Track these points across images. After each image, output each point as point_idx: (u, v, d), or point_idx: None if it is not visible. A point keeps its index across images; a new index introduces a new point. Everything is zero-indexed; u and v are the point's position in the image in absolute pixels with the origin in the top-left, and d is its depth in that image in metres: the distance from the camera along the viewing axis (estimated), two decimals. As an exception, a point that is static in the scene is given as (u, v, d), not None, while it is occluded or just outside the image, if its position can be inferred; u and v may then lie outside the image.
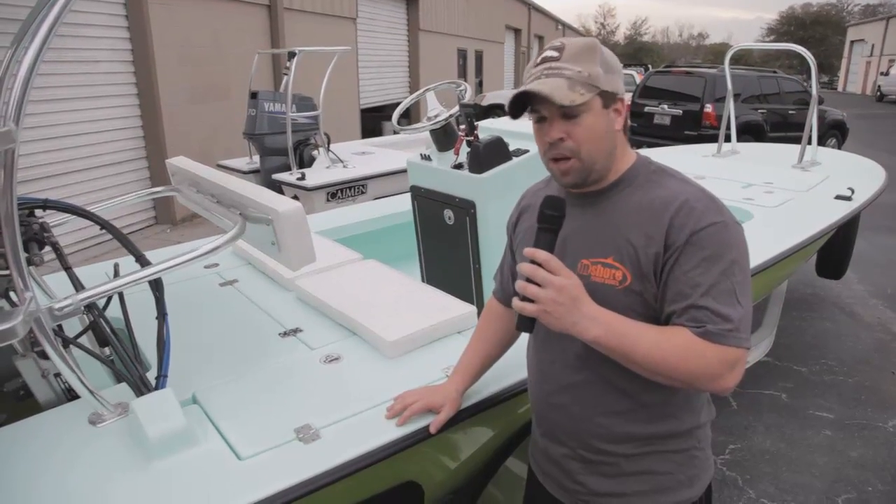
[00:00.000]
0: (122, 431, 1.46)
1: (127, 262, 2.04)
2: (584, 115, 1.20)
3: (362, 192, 5.54)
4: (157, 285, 1.67)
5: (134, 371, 1.56)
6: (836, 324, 4.85)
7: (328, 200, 5.30)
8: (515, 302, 1.14)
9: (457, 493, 1.89)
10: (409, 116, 12.55)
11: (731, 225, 1.19)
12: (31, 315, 1.28)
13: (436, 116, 2.69)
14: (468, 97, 2.72)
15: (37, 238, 1.66)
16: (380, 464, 1.42)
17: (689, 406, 1.32)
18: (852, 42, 46.38)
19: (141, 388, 1.53)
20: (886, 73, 32.98)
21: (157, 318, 1.65)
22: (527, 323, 1.18)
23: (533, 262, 1.13)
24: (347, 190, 5.44)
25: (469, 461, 1.81)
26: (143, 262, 1.72)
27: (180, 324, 1.68)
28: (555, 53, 1.22)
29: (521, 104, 1.24)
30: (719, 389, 1.17)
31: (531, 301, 1.12)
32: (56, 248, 1.69)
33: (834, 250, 4.86)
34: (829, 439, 3.34)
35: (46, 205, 1.72)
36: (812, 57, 5.01)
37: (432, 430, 1.47)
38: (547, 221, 1.18)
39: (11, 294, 1.59)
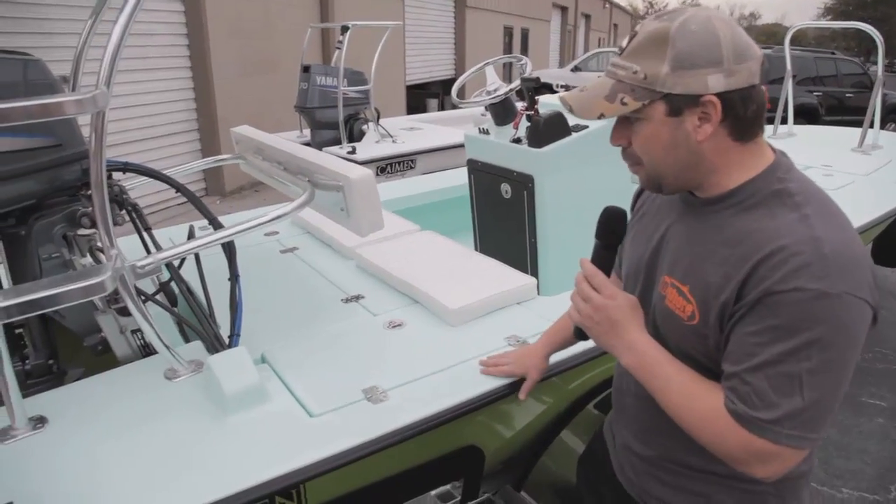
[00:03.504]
0: (196, 387, 1.52)
1: (194, 227, 2.11)
2: (640, 124, 1.02)
3: (411, 167, 5.57)
4: (229, 248, 1.73)
5: (209, 329, 1.63)
6: (891, 312, 4.72)
7: (377, 174, 5.34)
8: (570, 308, 1.14)
9: (514, 461, 1.93)
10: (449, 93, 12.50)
11: (836, 297, 0.90)
12: (118, 271, 1.34)
13: (495, 90, 2.69)
14: (529, 71, 2.71)
15: (116, 200, 1.73)
16: (444, 426, 1.46)
17: None
18: (916, 23, 44.35)
19: (216, 345, 1.60)
20: (952, 56, 31.53)
21: (229, 279, 1.72)
22: (579, 331, 1.17)
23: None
24: (397, 164, 5.48)
25: (526, 430, 1.84)
26: (217, 225, 1.78)
27: (245, 288, 1.74)
28: (624, 43, 1.03)
29: None
30: (751, 474, 0.99)
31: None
32: (137, 209, 1.75)
33: (892, 237, 4.71)
34: (882, 427, 3.28)
35: (127, 167, 1.79)
36: (879, 35, 4.83)
37: (521, 396, 1.52)
38: (604, 238, 1.14)
39: (96, 253, 1.67)
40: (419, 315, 1.90)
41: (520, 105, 2.72)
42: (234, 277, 1.71)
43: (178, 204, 6.48)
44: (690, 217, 1.11)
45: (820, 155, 4.37)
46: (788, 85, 5.41)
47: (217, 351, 1.57)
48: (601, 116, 1.02)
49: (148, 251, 1.74)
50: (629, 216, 1.32)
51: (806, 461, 1.16)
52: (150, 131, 6.79)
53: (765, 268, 0.93)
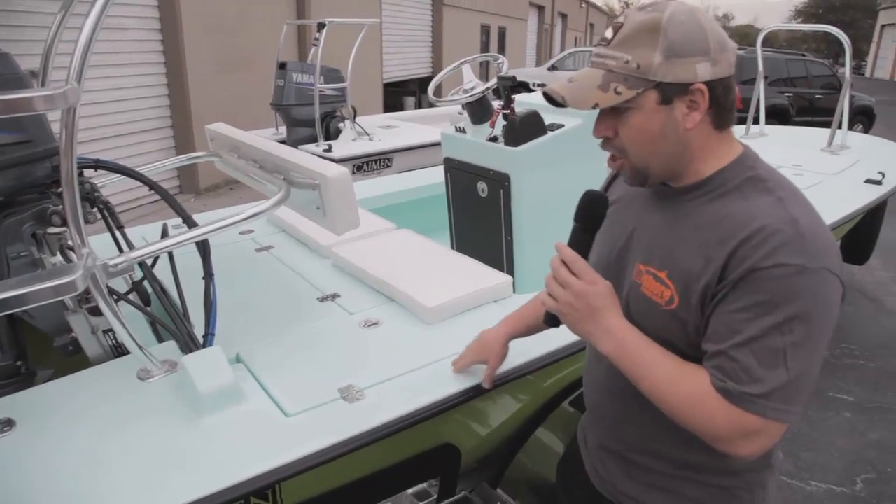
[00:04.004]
0: (170, 387, 1.50)
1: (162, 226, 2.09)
2: (631, 114, 1.03)
3: (388, 166, 5.56)
4: (203, 247, 1.71)
5: (183, 328, 1.61)
6: (858, 309, 4.83)
7: (354, 172, 5.32)
8: (542, 294, 1.09)
9: (490, 458, 1.94)
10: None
11: (815, 272, 0.94)
12: (89, 270, 1.31)
13: (472, 89, 2.70)
14: (505, 70, 2.72)
15: (88, 198, 1.71)
16: (420, 425, 1.46)
17: None
18: (883, 26, 45.25)
19: (190, 345, 1.58)
20: (917, 59, 32.29)
21: (203, 278, 1.70)
22: (550, 318, 1.12)
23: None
24: (373, 162, 5.46)
25: (501, 428, 1.85)
26: (191, 223, 1.76)
27: (219, 287, 1.72)
28: (609, 34, 1.04)
29: None
30: (731, 454, 1.01)
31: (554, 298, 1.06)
32: (108, 207, 1.73)
33: (859, 235, 4.81)
34: (849, 421, 3.36)
35: (98, 164, 1.76)
36: (847, 38, 4.93)
37: (485, 384, 1.49)
38: (583, 220, 1.10)
39: (67, 252, 1.64)
40: (395, 314, 1.90)
41: (496, 104, 2.73)
42: (208, 276, 1.69)
43: (152, 202, 6.40)
44: (663, 207, 1.13)
45: (791, 155, 4.45)
46: (760, 86, 5.49)
47: (191, 351, 1.55)
48: (595, 106, 1.02)
49: (120, 250, 1.71)
50: None
51: (773, 453, 1.20)
52: (123, 128, 6.69)
53: (746, 247, 0.96)
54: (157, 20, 7.11)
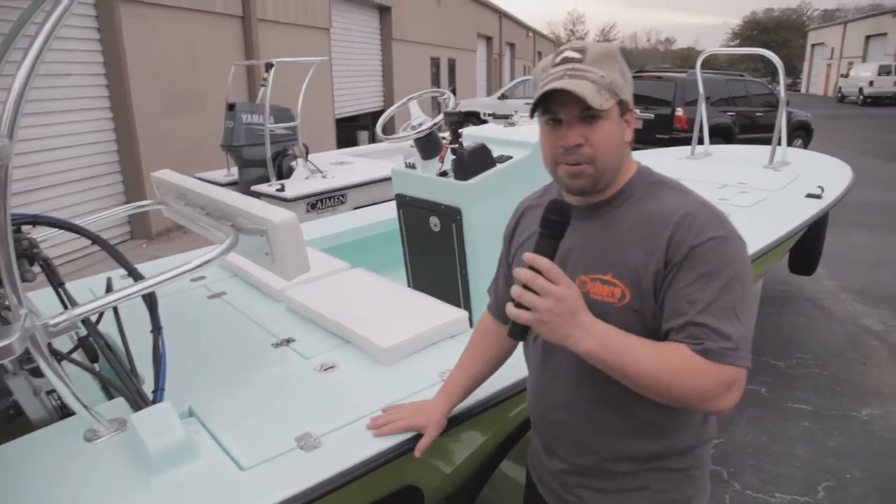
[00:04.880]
0: (119, 447, 1.45)
1: (113, 276, 2.03)
2: (604, 122, 1.16)
3: (342, 202, 5.54)
4: (150, 299, 1.67)
5: (131, 385, 1.56)
6: (809, 319, 4.97)
7: (308, 211, 5.28)
8: (510, 308, 1.09)
9: (454, 497, 1.91)
10: (385, 126, 12.54)
11: (733, 239, 1.15)
12: (27, 332, 1.27)
13: (420, 125, 2.72)
14: (452, 105, 2.75)
15: (27, 254, 1.65)
16: (380, 469, 1.44)
17: (689, 425, 1.28)
18: (813, 45, 47.55)
19: (139, 402, 1.53)
20: (846, 76, 33.90)
21: (151, 331, 1.65)
22: (519, 331, 1.13)
23: (532, 268, 1.07)
24: (327, 200, 5.44)
25: (465, 464, 1.83)
26: (136, 275, 1.72)
27: (170, 337, 1.68)
28: (577, 55, 1.18)
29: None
30: (715, 410, 1.13)
31: (527, 308, 1.07)
32: (48, 264, 1.68)
33: (805, 247, 4.98)
34: (808, 430, 3.43)
35: (37, 220, 1.72)
36: (779, 60, 5.14)
37: (417, 454, 1.45)
38: (550, 227, 1.13)
39: (4, 313, 1.58)
40: (351, 356, 1.88)
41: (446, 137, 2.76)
42: (156, 329, 1.65)
43: (99, 250, 6.22)
44: (586, 223, 1.25)
45: (735, 173, 4.60)
46: (702, 107, 5.68)
47: (140, 408, 1.50)
48: (601, 106, 1.14)
49: (65, 306, 1.66)
50: (504, 244, 1.50)
51: (713, 426, 1.36)
52: (68, 175, 6.55)
53: (680, 232, 1.14)
54: (102, 64, 7.02)
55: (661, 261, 1.14)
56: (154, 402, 1.55)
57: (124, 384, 1.57)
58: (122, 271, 1.88)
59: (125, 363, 1.64)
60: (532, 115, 1.22)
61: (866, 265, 6.19)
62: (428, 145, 2.77)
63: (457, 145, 2.61)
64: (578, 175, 1.20)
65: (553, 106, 1.17)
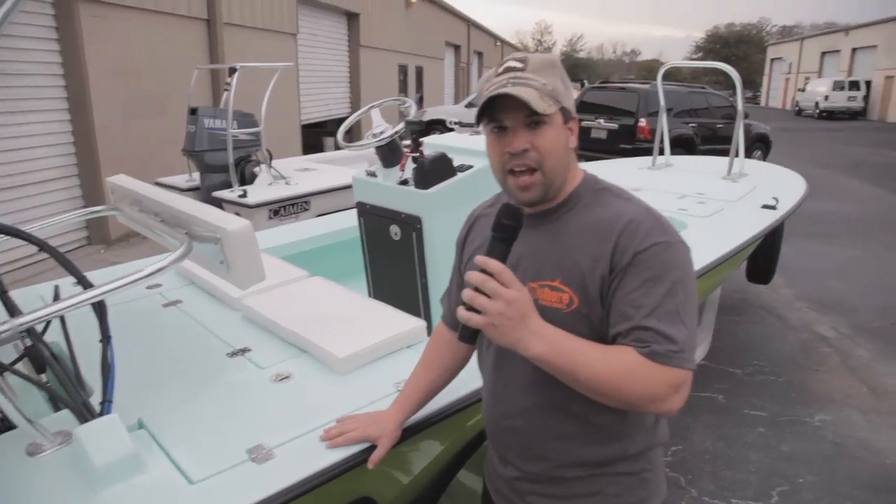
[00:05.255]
0: (63, 461, 1.41)
1: (63, 284, 1.98)
2: (548, 128, 1.19)
3: (305, 209, 5.49)
4: (99, 308, 1.63)
5: (77, 397, 1.52)
6: (765, 326, 5.09)
7: (271, 218, 5.23)
8: (461, 312, 1.08)
9: (411, 507, 1.90)
10: (352, 133, 12.52)
11: (676, 244, 1.18)
12: (-33, 343, 1.23)
13: (381, 133, 2.71)
14: (413, 114, 2.75)
15: (-31, 262, 1.60)
16: (334, 481, 1.42)
17: (641, 428, 1.30)
18: (772, 60, 48.88)
19: (85, 414, 1.49)
20: (803, 90, 34.98)
21: (100, 341, 1.61)
22: (470, 334, 1.13)
23: (484, 271, 1.07)
24: (290, 207, 5.38)
25: (422, 474, 1.82)
26: (85, 283, 1.67)
27: (123, 347, 1.64)
28: (519, 65, 1.21)
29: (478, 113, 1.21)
30: (663, 411, 1.15)
31: (478, 312, 1.07)
32: (-9, 271, 1.63)
33: (762, 257, 5.10)
34: (763, 436, 3.50)
35: (-21, 227, 1.66)
36: (737, 74, 5.27)
37: (370, 465, 1.44)
38: (503, 231, 1.13)
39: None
40: (307, 365, 1.86)
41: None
42: (105, 339, 1.61)
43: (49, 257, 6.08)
44: (534, 231, 1.26)
45: (694, 184, 4.69)
46: (662, 118, 5.78)
47: (87, 420, 1.46)
48: (544, 111, 1.16)
49: (11, 314, 1.61)
50: (457, 252, 1.52)
51: (663, 429, 1.37)
52: (22, 178, 6.39)
53: (624, 238, 1.17)
54: (60, 65, 6.87)
55: (606, 267, 1.17)
56: (101, 413, 1.51)
57: (70, 396, 1.53)
58: (72, 280, 1.84)
59: (72, 374, 1.59)
60: (477, 124, 1.24)
61: (821, 274, 6.37)
62: (389, 153, 2.76)
63: (417, 154, 2.61)
64: (528, 188, 1.22)
65: (498, 113, 1.19)
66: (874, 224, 8.66)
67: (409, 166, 2.68)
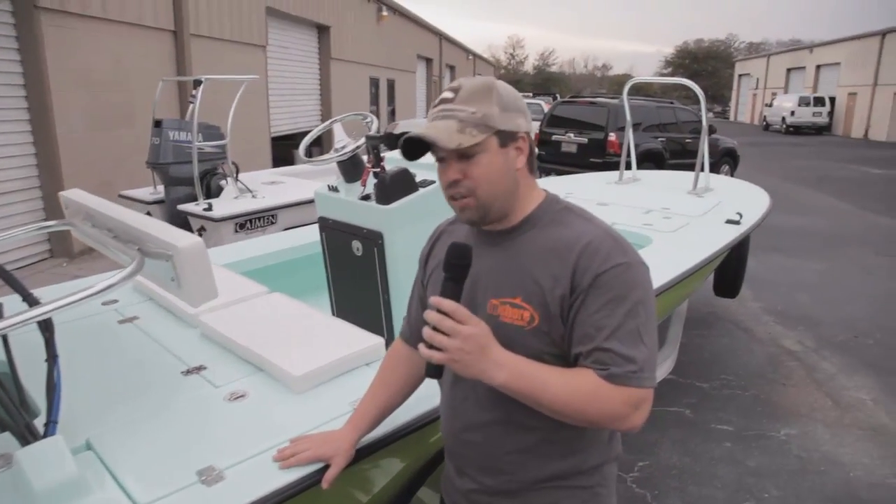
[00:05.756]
0: (2, 485, 1.36)
1: (11, 300, 1.92)
2: (480, 156, 1.21)
3: (272, 223, 5.43)
4: (46, 326, 1.57)
5: (19, 419, 1.46)
6: (732, 340, 5.14)
7: (236, 231, 5.16)
8: (422, 349, 1.14)
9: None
10: (322, 146, 12.49)
11: (635, 265, 1.21)
12: None
13: (342, 148, 2.69)
14: (374, 129, 2.73)
15: None
16: (286, 503, 1.39)
17: (597, 443, 1.33)
18: (740, 76, 49.97)
19: (27, 436, 1.43)
20: (770, 105, 35.79)
21: (46, 360, 1.56)
22: (435, 370, 1.18)
23: (439, 311, 1.12)
24: (257, 220, 5.32)
25: (381, 493, 1.79)
26: (31, 301, 1.62)
27: (75, 365, 1.59)
28: (450, 95, 1.24)
29: (423, 144, 1.23)
30: (625, 429, 1.19)
31: (439, 349, 1.12)
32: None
33: (728, 271, 5.16)
34: (730, 451, 3.52)
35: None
36: (700, 90, 5.35)
37: (324, 485, 1.42)
38: (452, 271, 1.18)
39: None
40: (263, 384, 1.82)
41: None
42: (51, 358, 1.55)
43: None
44: (499, 247, 1.30)
45: (660, 198, 4.74)
46: (629, 133, 5.85)
47: (29, 442, 1.41)
48: (459, 146, 1.18)
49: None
50: (420, 267, 1.53)
51: (619, 443, 1.40)
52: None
53: (585, 259, 1.19)
54: (21, 75, 6.73)
55: (566, 286, 1.19)
56: (45, 435, 1.45)
57: (11, 417, 1.47)
58: (17, 297, 1.77)
59: (14, 395, 1.53)
60: (410, 159, 1.28)
61: (788, 287, 6.46)
62: (351, 168, 2.73)
63: (378, 169, 2.59)
64: (464, 209, 1.27)
65: (432, 145, 1.22)
66: (840, 238, 8.83)
67: (371, 181, 2.66)
